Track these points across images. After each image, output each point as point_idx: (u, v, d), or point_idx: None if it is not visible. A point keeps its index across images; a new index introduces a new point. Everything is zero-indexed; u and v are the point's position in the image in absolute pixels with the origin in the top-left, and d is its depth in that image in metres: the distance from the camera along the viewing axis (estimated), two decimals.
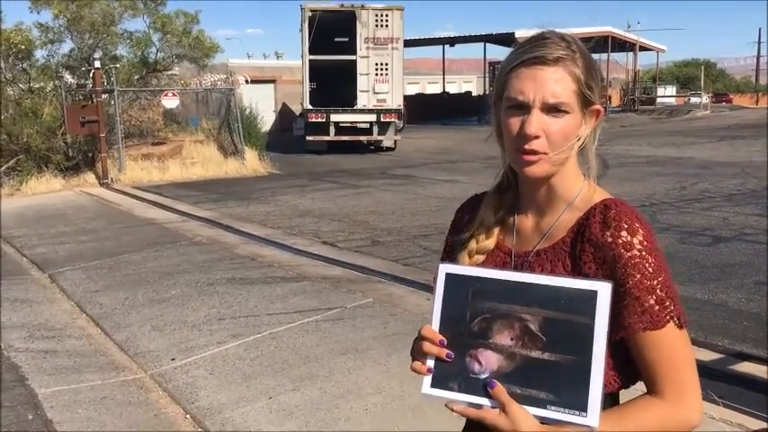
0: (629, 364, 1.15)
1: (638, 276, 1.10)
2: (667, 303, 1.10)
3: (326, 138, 19.82)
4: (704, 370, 2.84)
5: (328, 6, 19.55)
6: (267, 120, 24.33)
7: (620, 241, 1.11)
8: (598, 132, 1.23)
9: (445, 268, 1.16)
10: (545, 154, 1.15)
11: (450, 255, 1.37)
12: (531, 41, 1.18)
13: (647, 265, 1.10)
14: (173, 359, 4.59)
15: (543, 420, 1.05)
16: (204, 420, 3.69)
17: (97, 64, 14.77)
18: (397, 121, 20.20)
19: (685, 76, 57.66)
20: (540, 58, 1.14)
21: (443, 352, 1.11)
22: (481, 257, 1.28)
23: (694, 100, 44.78)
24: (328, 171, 15.98)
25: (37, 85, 16.32)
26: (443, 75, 44.16)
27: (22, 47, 15.66)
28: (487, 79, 40.83)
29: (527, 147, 1.15)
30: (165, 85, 17.67)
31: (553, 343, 1.06)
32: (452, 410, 1.09)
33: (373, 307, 5.47)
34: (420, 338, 1.15)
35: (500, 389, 1.06)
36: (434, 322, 1.14)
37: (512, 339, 1.08)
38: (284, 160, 17.59)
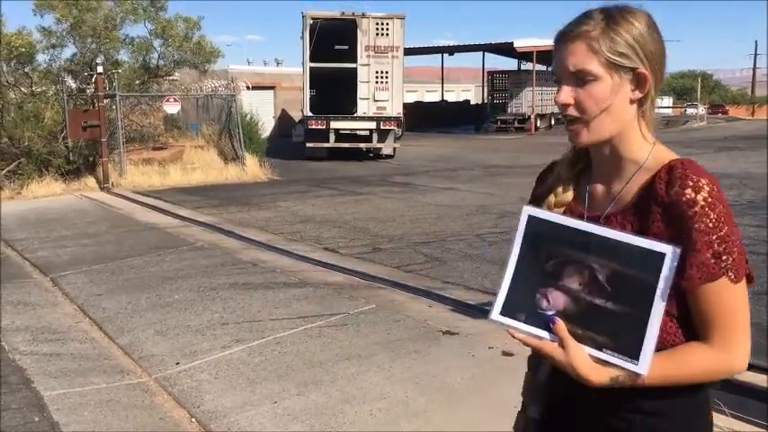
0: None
1: (698, 231, 1.14)
2: (724, 257, 1.15)
3: (326, 144, 19.90)
4: None
5: (329, 14, 19.68)
6: (266, 126, 24.41)
7: (684, 199, 1.16)
8: (653, 95, 1.27)
9: (528, 210, 1.25)
10: (579, 119, 1.25)
11: None
12: (575, 19, 1.28)
13: (707, 220, 1.14)
14: (177, 363, 4.61)
15: (596, 360, 1.13)
16: (209, 424, 3.72)
17: (100, 69, 14.82)
18: (396, 128, 20.30)
19: (682, 87, 58.04)
20: (563, 35, 1.26)
21: None
22: (559, 211, 1.34)
23: (691, 111, 45.06)
24: (328, 178, 16.03)
25: (39, 89, 16.37)
26: (442, 83, 44.32)
27: (24, 50, 15.71)
28: (485, 88, 41.04)
29: (564, 114, 1.27)
30: (167, 91, 17.73)
31: (617, 294, 1.13)
32: (513, 337, 1.19)
33: (376, 313, 5.51)
34: None
35: (561, 325, 1.16)
36: (513, 257, 1.24)
37: (580, 285, 1.16)
38: (284, 166, 17.64)
